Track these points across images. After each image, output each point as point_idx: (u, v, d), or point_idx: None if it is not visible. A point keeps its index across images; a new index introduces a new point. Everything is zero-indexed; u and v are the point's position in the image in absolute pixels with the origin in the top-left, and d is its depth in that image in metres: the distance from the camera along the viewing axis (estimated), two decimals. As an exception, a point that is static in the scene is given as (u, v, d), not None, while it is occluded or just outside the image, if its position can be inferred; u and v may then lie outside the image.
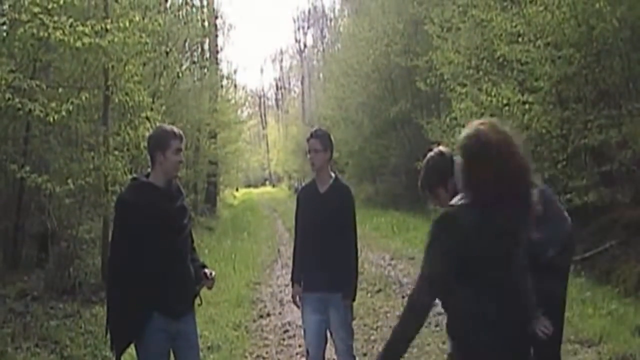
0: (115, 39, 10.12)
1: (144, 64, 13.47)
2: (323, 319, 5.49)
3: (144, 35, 11.10)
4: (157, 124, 5.96)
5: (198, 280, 4.66)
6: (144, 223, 4.29)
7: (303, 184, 6.37)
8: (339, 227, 5.42)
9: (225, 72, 33.39)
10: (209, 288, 4.82)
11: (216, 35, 31.37)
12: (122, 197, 4.53)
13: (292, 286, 5.79)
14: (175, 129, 4.55)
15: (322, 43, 74.49)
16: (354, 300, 5.60)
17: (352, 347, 5.65)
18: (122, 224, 4.43)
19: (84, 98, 9.95)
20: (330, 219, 5.40)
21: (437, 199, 4.09)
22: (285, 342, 8.15)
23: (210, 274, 4.74)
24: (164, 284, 4.36)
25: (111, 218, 8.24)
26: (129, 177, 6.34)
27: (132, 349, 4.48)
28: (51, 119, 9.25)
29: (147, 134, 4.58)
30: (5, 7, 9.13)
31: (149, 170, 4.57)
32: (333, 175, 5.61)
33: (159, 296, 4.33)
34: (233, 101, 34.41)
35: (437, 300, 3.02)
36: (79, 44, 9.43)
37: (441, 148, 4.23)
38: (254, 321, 9.46)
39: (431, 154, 4.21)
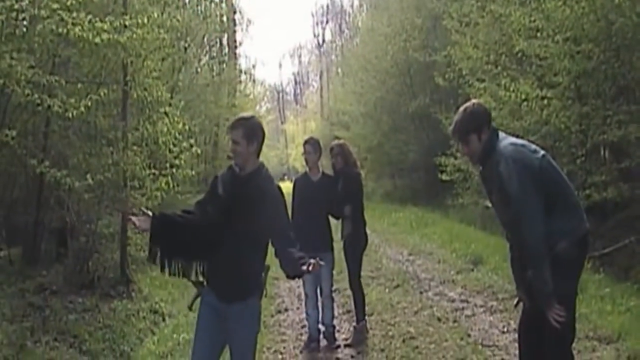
0: (134, 35, 10.19)
1: (163, 60, 13.55)
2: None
3: (162, 31, 11.18)
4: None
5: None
6: None
7: (298, 175, 8.27)
8: (326, 204, 7.43)
9: (243, 67, 33.51)
10: None
11: (234, 30, 31.42)
12: None
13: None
14: None
15: (341, 38, 74.52)
16: None
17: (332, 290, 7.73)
18: None
19: (102, 93, 10.02)
20: (321, 200, 7.37)
21: (467, 147, 4.24)
22: (303, 337, 8.09)
23: None
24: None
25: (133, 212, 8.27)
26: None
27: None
28: (70, 115, 9.33)
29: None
30: (25, 3, 9.18)
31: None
32: (320, 169, 7.60)
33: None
34: (252, 96, 34.51)
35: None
36: (97, 40, 9.50)
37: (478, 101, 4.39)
38: (272, 316, 9.44)
39: (468, 103, 4.30)
